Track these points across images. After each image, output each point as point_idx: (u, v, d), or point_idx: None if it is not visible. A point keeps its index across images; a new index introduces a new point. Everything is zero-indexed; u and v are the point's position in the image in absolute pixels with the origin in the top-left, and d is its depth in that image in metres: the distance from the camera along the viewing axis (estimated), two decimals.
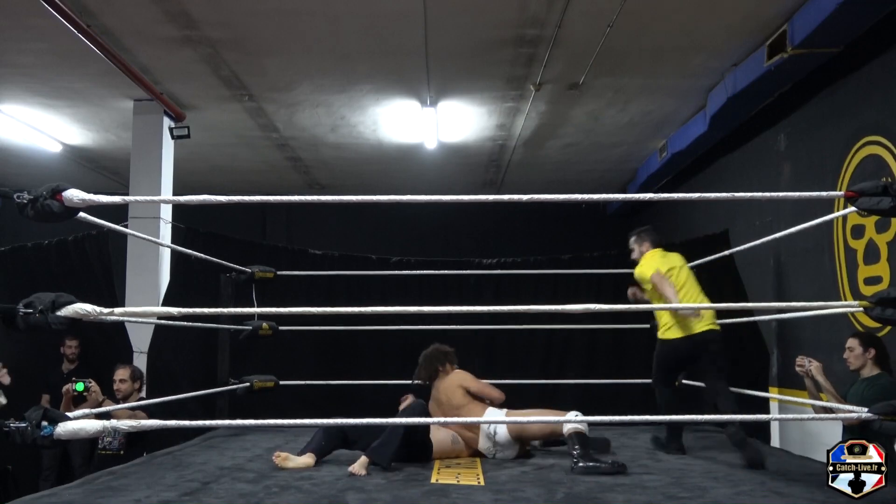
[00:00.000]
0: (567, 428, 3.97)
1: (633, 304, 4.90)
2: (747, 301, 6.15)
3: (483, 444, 4.28)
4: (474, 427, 4.28)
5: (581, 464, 3.76)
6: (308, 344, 6.04)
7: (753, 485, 3.37)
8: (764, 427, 5.98)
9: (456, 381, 4.42)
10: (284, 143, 9.06)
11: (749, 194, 3.34)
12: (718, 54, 6.34)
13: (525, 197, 3.05)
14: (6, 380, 4.88)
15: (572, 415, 4.04)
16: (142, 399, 4.95)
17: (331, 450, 4.06)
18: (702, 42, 6.12)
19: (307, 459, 3.91)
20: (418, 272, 6.08)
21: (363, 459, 3.75)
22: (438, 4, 5.47)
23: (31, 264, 6.27)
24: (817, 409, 4.22)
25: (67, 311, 2.71)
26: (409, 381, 5.44)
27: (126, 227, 4.31)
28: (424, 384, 4.57)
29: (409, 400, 4.51)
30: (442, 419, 4.27)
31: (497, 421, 4.19)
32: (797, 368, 4.34)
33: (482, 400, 4.41)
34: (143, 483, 3.51)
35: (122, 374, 5.08)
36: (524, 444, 4.34)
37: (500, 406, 4.42)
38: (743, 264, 6.40)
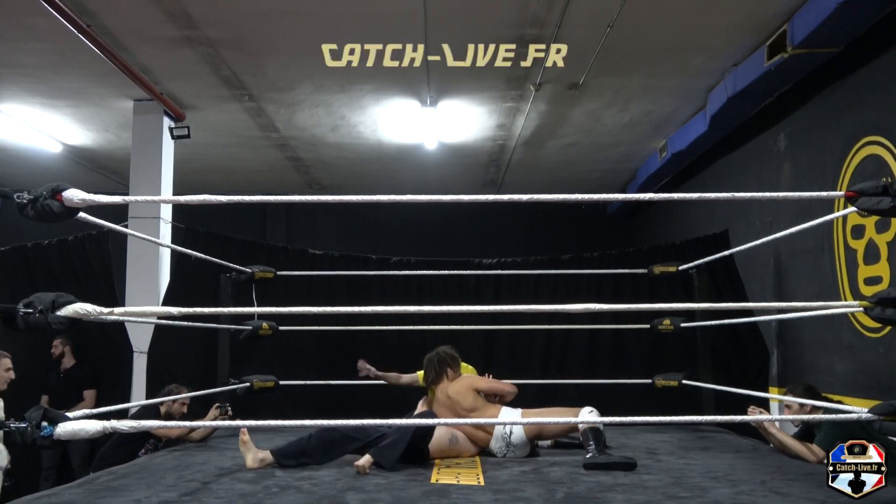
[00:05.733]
0: (582, 424, 4.02)
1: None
2: (747, 301, 6.15)
3: (496, 445, 4.27)
4: (488, 427, 4.28)
5: (592, 456, 3.83)
6: (308, 344, 6.04)
7: (753, 485, 3.37)
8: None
9: (466, 383, 4.40)
10: (284, 143, 9.06)
11: (749, 194, 3.34)
12: (718, 54, 6.34)
13: (525, 197, 3.06)
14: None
15: (586, 410, 4.12)
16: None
17: (295, 459, 3.95)
18: (702, 42, 6.12)
19: (263, 456, 3.91)
20: (418, 272, 6.08)
21: (367, 458, 3.74)
22: (438, 4, 5.47)
23: (31, 264, 6.27)
24: (782, 446, 4.15)
25: (67, 310, 2.71)
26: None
27: (126, 227, 4.31)
28: (434, 385, 4.55)
29: (422, 407, 4.55)
30: (459, 420, 4.25)
31: (516, 422, 4.19)
32: (749, 417, 4.21)
33: (493, 399, 4.42)
34: (143, 483, 3.51)
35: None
36: (535, 444, 4.35)
37: (513, 403, 4.43)
38: (743, 264, 6.40)
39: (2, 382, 4.54)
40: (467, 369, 5.18)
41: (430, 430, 4.04)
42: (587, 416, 4.09)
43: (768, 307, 6.35)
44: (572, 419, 4.11)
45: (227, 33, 5.97)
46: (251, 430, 4.05)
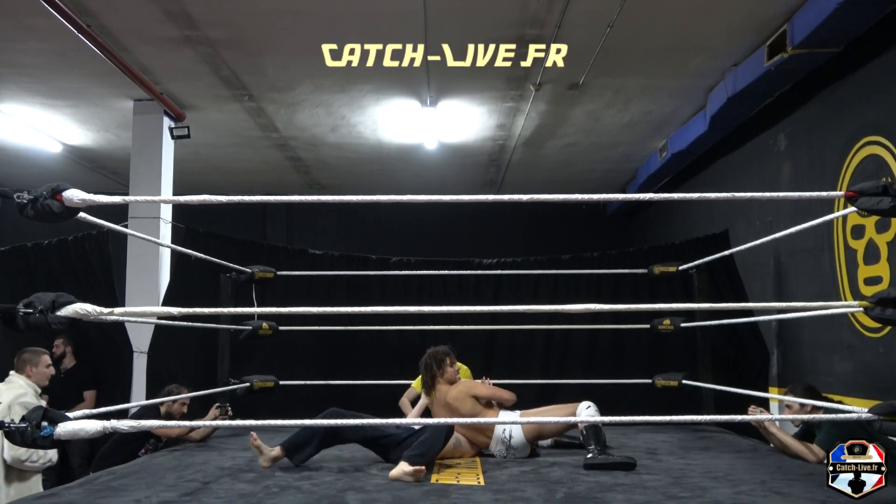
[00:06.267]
0: (581, 423, 4.01)
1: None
2: (747, 301, 6.15)
3: (495, 448, 4.27)
4: (487, 430, 4.27)
5: (592, 457, 3.83)
6: (308, 344, 6.04)
7: (753, 485, 3.37)
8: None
9: (465, 390, 4.37)
10: (284, 143, 9.06)
11: (749, 194, 3.35)
12: (718, 54, 6.34)
13: (525, 197, 3.06)
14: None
15: (584, 406, 4.12)
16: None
17: (306, 446, 3.94)
18: (702, 42, 6.12)
19: (275, 453, 3.89)
20: (418, 272, 6.08)
21: (405, 464, 3.59)
22: (438, 4, 5.47)
23: (31, 264, 6.26)
24: (782, 446, 4.15)
25: (67, 311, 2.71)
26: (409, 382, 5.46)
27: (126, 227, 4.31)
28: (429, 394, 4.52)
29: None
30: (465, 420, 4.24)
31: (515, 422, 4.19)
32: (749, 416, 4.17)
33: (491, 404, 4.41)
34: (143, 483, 3.51)
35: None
36: (535, 446, 4.35)
37: (512, 407, 4.41)
38: (743, 264, 6.40)
39: (44, 379, 4.52)
40: (463, 370, 5.18)
41: (452, 430, 4.06)
42: (586, 412, 4.09)
43: (768, 307, 6.35)
44: (571, 419, 4.11)
45: (227, 33, 5.97)
46: (251, 429, 4.05)
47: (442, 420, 4.18)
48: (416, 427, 3.96)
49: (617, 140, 8.90)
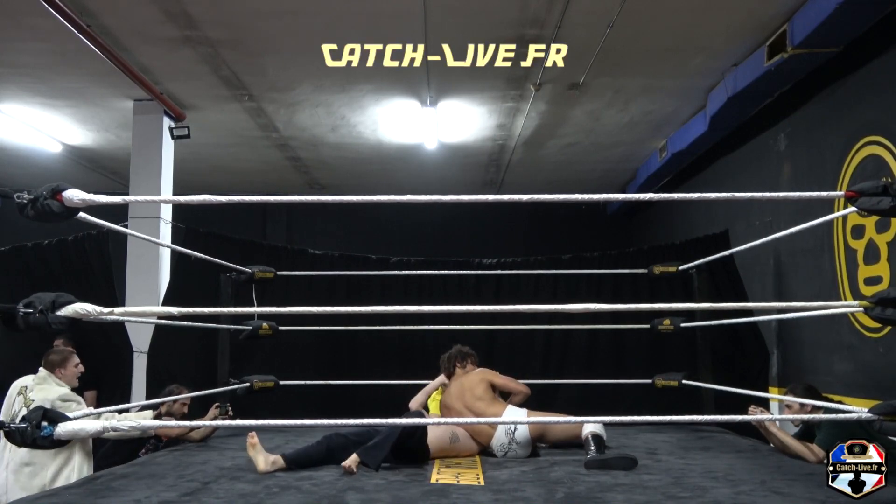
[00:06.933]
0: (585, 431, 4.08)
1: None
2: (747, 301, 6.15)
3: (498, 440, 4.27)
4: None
5: (592, 457, 3.85)
6: (308, 344, 6.04)
7: (753, 485, 3.37)
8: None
9: (480, 375, 4.50)
10: (284, 143, 9.06)
11: (749, 194, 3.34)
12: (718, 54, 6.34)
13: (525, 197, 3.06)
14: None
15: (591, 424, 4.17)
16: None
17: (313, 463, 3.94)
18: (702, 42, 6.12)
19: (274, 459, 3.83)
20: (418, 272, 6.08)
21: (354, 457, 3.73)
22: (438, 4, 5.47)
23: (31, 264, 6.26)
24: (783, 446, 4.15)
25: (67, 310, 2.71)
26: (409, 382, 5.46)
27: (126, 227, 4.31)
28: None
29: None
30: (457, 420, 4.26)
31: (517, 421, 4.22)
32: (749, 416, 4.14)
33: (503, 398, 4.47)
34: (143, 483, 3.51)
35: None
36: (537, 445, 4.36)
37: (521, 405, 4.46)
38: (743, 264, 6.41)
39: (73, 379, 4.46)
40: None
41: (416, 429, 4.02)
42: (592, 427, 4.13)
43: (768, 307, 6.35)
44: (575, 418, 4.14)
45: (227, 33, 5.97)
46: (251, 429, 4.04)
47: (440, 420, 4.18)
48: None
49: (617, 140, 8.90)
